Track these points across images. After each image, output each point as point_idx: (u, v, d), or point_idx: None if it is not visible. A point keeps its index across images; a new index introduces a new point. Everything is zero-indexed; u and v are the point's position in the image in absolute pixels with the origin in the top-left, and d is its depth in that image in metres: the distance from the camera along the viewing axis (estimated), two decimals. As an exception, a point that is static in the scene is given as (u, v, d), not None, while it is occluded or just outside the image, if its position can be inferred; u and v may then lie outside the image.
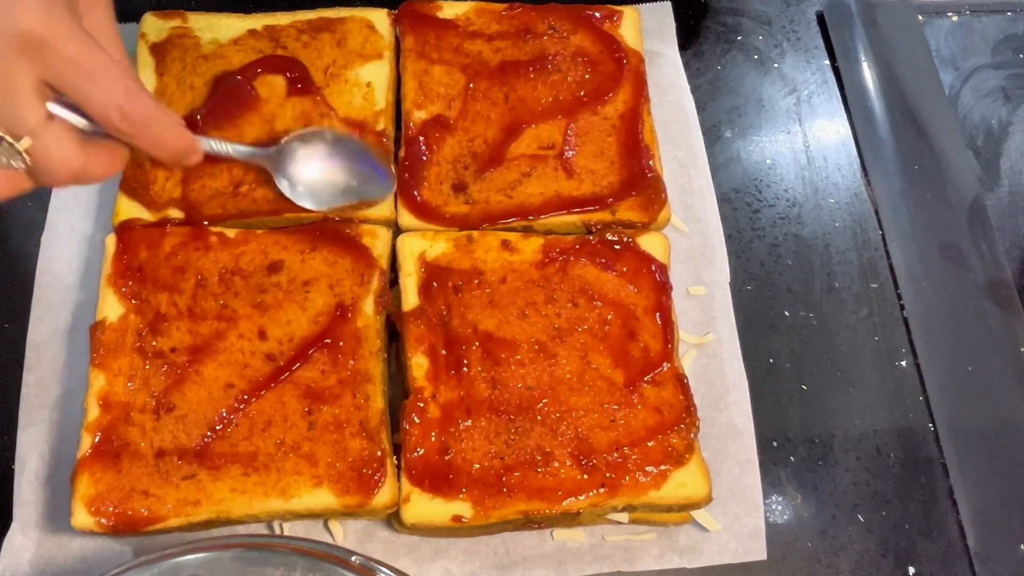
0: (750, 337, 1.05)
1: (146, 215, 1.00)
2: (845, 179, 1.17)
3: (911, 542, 0.96)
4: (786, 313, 1.08)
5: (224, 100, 1.05)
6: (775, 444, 1.00)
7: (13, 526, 0.92)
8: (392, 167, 1.03)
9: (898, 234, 1.12)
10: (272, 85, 1.07)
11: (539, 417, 0.91)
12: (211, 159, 0.95)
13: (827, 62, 1.25)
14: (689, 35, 1.24)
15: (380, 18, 1.13)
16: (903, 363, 1.05)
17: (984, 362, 1.05)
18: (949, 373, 1.04)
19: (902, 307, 1.09)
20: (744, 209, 1.14)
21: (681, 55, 1.21)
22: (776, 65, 1.24)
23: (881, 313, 1.08)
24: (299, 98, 1.06)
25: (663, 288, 0.98)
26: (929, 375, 1.04)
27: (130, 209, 1.00)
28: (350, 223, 1.01)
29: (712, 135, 1.18)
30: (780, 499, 0.98)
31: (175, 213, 1.00)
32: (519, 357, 0.93)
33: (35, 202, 1.09)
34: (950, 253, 1.11)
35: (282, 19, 1.13)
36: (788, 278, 1.10)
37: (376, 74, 1.09)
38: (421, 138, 1.05)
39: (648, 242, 1.00)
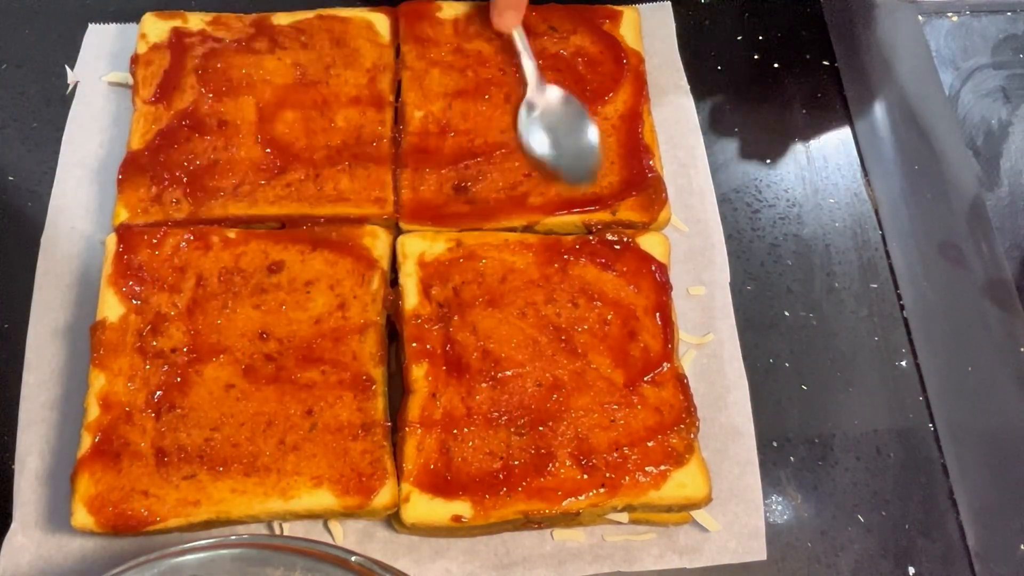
0: (750, 337, 1.05)
1: (146, 216, 1.00)
2: (845, 179, 1.17)
3: (911, 542, 0.96)
4: (786, 313, 1.08)
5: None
6: (775, 444, 1.00)
7: (13, 526, 0.92)
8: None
9: (898, 234, 1.12)
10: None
11: (539, 417, 0.91)
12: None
13: (827, 62, 1.25)
14: (689, 35, 1.24)
15: (380, 18, 1.13)
16: (903, 363, 1.05)
17: (984, 362, 1.05)
18: (949, 373, 1.04)
19: (902, 307, 1.09)
20: (744, 209, 1.14)
21: (681, 55, 1.21)
22: (776, 65, 1.24)
23: (881, 313, 1.08)
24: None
25: (663, 288, 0.98)
26: (929, 375, 1.04)
27: (130, 209, 1.00)
28: (349, 223, 1.01)
29: (712, 135, 1.18)
30: (780, 499, 0.98)
31: (175, 213, 1.00)
32: (519, 357, 0.93)
33: (35, 202, 1.09)
34: (950, 253, 1.11)
35: (282, 19, 1.13)
36: (788, 278, 1.10)
37: (375, 74, 1.09)
38: (421, 139, 1.05)
39: (648, 242, 1.00)
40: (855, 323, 1.07)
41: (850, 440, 1.01)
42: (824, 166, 1.17)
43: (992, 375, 1.04)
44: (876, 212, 1.15)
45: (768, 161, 1.17)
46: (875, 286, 1.10)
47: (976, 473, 0.99)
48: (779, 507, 0.97)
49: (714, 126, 1.19)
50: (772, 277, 1.10)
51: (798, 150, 1.18)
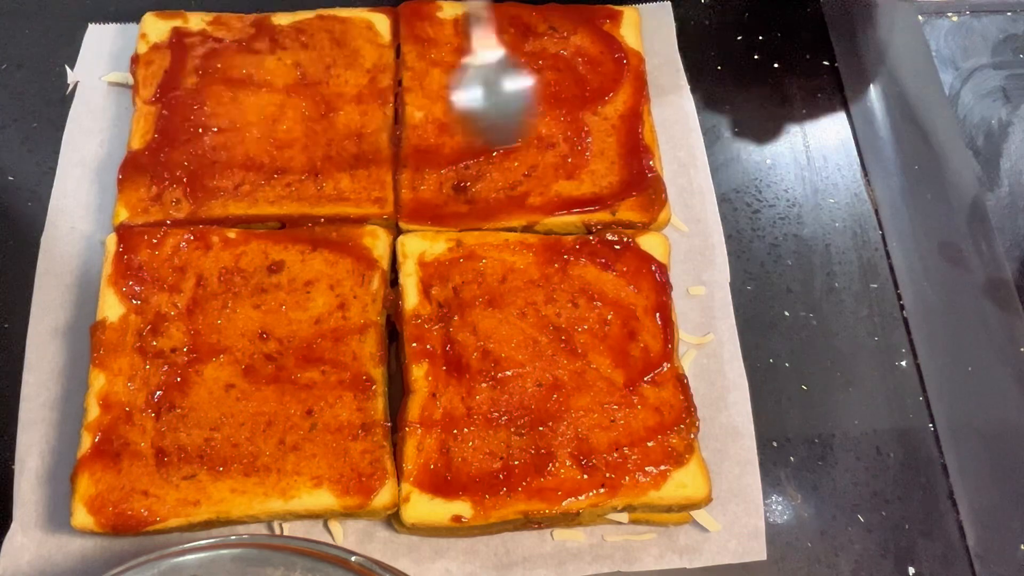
0: (750, 337, 1.05)
1: (146, 216, 1.00)
2: (845, 179, 1.17)
3: (911, 542, 0.96)
4: (786, 313, 1.08)
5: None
6: (775, 444, 1.00)
7: (13, 526, 0.92)
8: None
9: (898, 234, 1.13)
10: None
11: (539, 417, 0.91)
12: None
13: (827, 62, 1.25)
14: (689, 35, 1.24)
15: (380, 18, 1.13)
16: (903, 363, 1.05)
17: (984, 362, 1.05)
18: (949, 373, 1.04)
19: (902, 307, 1.09)
20: (744, 209, 1.14)
21: (681, 55, 1.21)
22: (776, 65, 1.24)
23: (881, 313, 1.08)
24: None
25: (663, 288, 0.98)
26: (929, 375, 1.04)
27: (131, 209, 1.00)
28: (349, 223, 1.01)
29: (712, 135, 1.18)
30: (780, 499, 0.98)
31: (175, 213, 1.00)
32: (519, 357, 0.93)
33: (35, 202, 1.09)
34: (950, 253, 1.11)
35: (282, 19, 1.13)
36: (788, 278, 1.10)
37: (376, 74, 1.09)
38: (421, 139, 1.05)
39: (648, 242, 1.00)
40: (855, 323, 1.07)
41: (850, 440, 1.01)
42: (824, 166, 1.17)
43: (992, 375, 1.04)
44: (876, 212, 1.15)
45: (768, 161, 1.17)
46: (875, 286, 1.10)
47: (976, 473, 0.99)
48: (779, 507, 0.97)
49: (714, 126, 1.19)
50: (772, 277, 1.10)
51: (798, 150, 1.18)
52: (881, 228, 1.14)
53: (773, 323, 1.07)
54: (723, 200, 1.13)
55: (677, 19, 1.24)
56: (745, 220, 1.13)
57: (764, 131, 1.20)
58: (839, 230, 1.13)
